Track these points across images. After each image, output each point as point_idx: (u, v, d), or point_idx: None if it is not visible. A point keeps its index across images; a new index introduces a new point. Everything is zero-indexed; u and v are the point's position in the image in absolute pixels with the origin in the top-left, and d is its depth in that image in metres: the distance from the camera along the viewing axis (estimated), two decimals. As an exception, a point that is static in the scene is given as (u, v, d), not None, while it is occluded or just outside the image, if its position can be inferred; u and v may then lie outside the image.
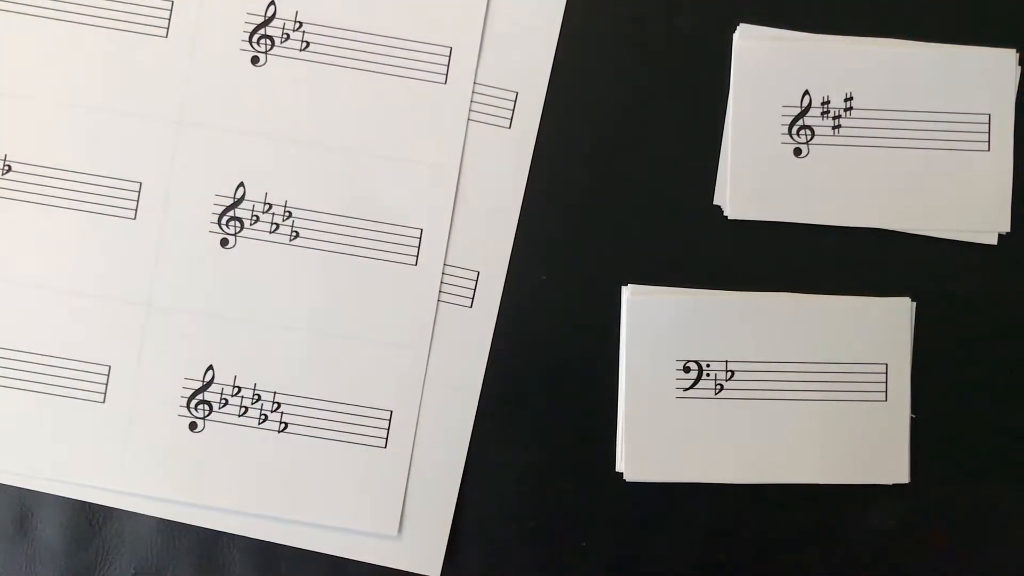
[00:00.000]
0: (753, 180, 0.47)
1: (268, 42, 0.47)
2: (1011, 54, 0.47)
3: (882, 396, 0.47)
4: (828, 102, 0.47)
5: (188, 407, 0.47)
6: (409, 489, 0.47)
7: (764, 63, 0.47)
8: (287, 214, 0.47)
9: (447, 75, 0.47)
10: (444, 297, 0.47)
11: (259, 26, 0.47)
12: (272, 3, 0.47)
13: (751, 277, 0.47)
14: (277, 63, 0.47)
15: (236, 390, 0.47)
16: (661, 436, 0.46)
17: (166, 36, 0.47)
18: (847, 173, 0.47)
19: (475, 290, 0.47)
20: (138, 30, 0.47)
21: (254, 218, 0.47)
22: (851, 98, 0.47)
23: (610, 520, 0.47)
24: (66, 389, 0.47)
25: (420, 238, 0.47)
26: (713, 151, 0.47)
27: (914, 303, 0.47)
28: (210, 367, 0.47)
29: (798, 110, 0.47)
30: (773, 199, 0.47)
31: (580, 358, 0.47)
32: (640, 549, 0.47)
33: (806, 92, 0.47)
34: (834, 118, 0.47)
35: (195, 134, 0.47)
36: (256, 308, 0.47)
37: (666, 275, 0.47)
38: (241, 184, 0.47)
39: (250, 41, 0.47)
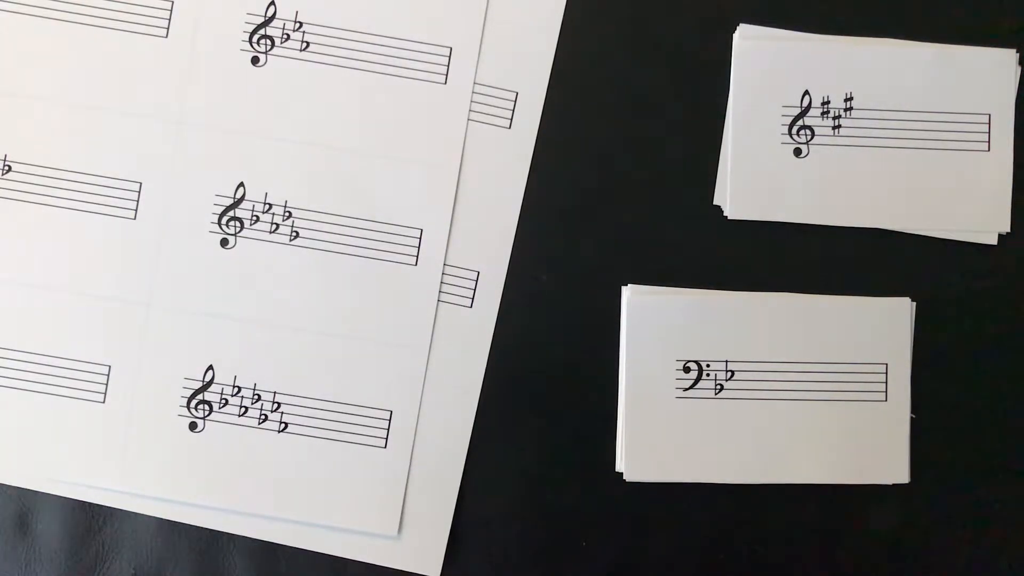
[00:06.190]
0: (753, 180, 0.47)
1: (268, 42, 0.47)
2: (1011, 54, 0.47)
3: (882, 396, 0.47)
4: (828, 102, 0.47)
5: (188, 407, 0.47)
6: (409, 489, 0.47)
7: (764, 63, 0.47)
8: (287, 214, 0.47)
9: (447, 75, 0.47)
10: (444, 297, 0.47)
11: (259, 26, 0.47)
12: (272, 3, 0.47)
13: (751, 277, 0.47)
14: (277, 63, 0.47)
15: (236, 390, 0.47)
16: (661, 436, 0.46)
17: (166, 36, 0.47)
18: (847, 173, 0.47)
19: (475, 290, 0.47)
20: (138, 30, 0.47)
21: (254, 218, 0.47)
22: (851, 98, 0.47)
23: (610, 520, 0.47)
24: (66, 389, 0.47)
25: (420, 238, 0.47)
26: (713, 151, 0.47)
27: (914, 303, 0.47)
28: (210, 367, 0.47)
29: (798, 110, 0.47)
30: (773, 199, 0.47)
31: (580, 358, 0.47)
32: (640, 549, 0.47)
33: (806, 92, 0.47)
34: (834, 118, 0.47)
35: (195, 134, 0.47)
36: (256, 308, 0.47)
37: (666, 275, 0.47)
38: (241, 184, 0.47)
39: (250, 41, 0.47)
